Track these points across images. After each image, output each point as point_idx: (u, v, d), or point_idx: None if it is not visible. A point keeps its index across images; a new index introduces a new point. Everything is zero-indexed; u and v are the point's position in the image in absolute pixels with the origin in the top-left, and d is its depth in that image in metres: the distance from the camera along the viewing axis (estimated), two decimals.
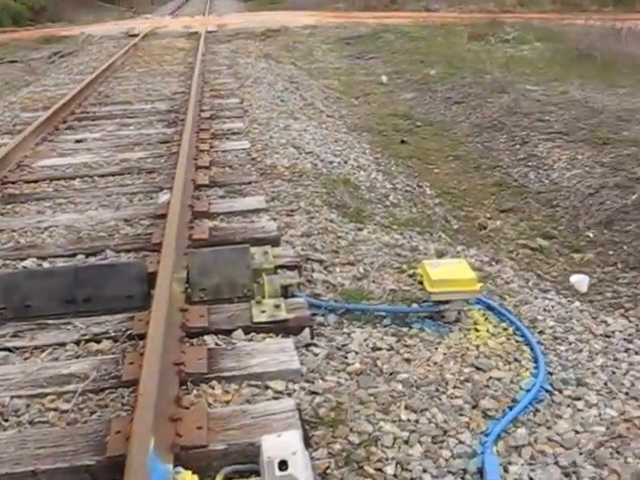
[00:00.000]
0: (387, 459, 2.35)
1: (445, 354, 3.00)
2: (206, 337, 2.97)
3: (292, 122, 6.96)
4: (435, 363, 2.93)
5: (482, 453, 2.43)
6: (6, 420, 2.49)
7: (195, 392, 2.61)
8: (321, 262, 3.74)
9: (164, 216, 3.97)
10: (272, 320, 3.04)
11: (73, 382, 2.66)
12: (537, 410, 2.79)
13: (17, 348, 2.95)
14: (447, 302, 3.17)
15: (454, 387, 2.79)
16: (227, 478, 2.18)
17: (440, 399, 2.70)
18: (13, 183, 5.17)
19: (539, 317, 3.60)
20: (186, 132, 5.77)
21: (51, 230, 4.23)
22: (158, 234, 3.89)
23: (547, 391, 2.93)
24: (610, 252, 4.79)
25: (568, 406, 2.88)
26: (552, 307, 3.81)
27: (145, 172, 5.38)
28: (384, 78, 9.99)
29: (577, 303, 4.02)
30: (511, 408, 2.73)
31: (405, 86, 9.45)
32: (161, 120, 7.19)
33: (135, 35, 16.06)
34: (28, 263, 3.76)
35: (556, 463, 2.49)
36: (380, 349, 2.98)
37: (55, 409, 2.54)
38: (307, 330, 3.02)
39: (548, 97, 7.87)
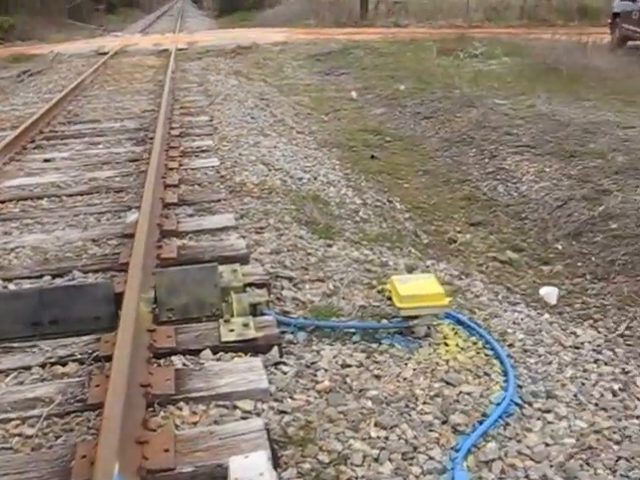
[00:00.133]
0: (357, 478, 2.34)
1: (415, 369, 3.00)
2: (174, 358, 2.93)
3: (262, 139, 6.96)
4: (405, 379, 2.93)
5: (452, 469, 2.43)
6: None
7: (162, 414, 2.57)
8: (290, 279, 3.73)
9: (132, 235, 3.94)
10: (240, 339, 3.01)
11: (38, 406, 2.62)
12: (507, 424, 2.79)
13: None
14: (416, 317, 3.18)
15: (424, 403, 2.78)
16: None
17: (410, 415, 2.70)
18: None
19: (509, 330, 3.61)
20: (155, 150, 5.74)
21: (17, 251, 4.17)
22: (126, 254, 3.85)
23: (517, 404, 2.94)
24: (579, 263, 4.82)
25: (538, 419, 2.89)
26: (522, 320, 3.83)
27: (113, 191, 5.34)
28: (354, 94, 10.04)
29: (546, 315, 4.04)
30: (481, 422, 2.73)
31: (375, 101, 9.50)
32: (130, 138, 7.15)
33: (105, 53, 16.00)
34: None
35: (526, 477, 2.49)
36: (350, 366, 2.97)
37: (19, 434, 2.49)
38: (276, 348, 3.00)
39: (516, 111, 7.95)
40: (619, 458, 2.72)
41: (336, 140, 7.54)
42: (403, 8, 25.40)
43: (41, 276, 3.79)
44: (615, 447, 2.80)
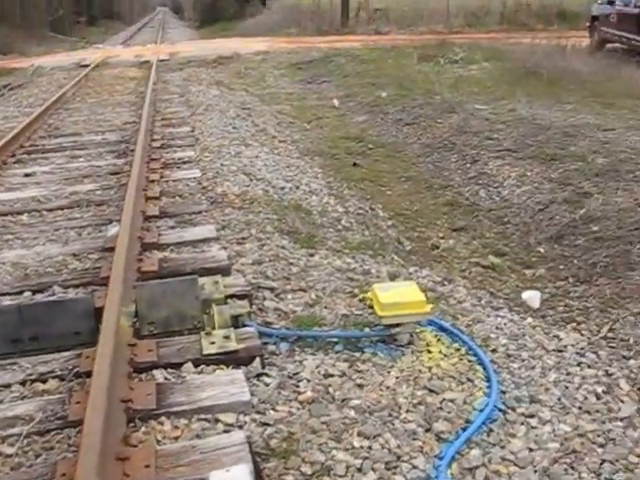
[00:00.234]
0: None
1: (398, 378, 2.99)
2: (155, 372, 2.92)
3: (244, 149, 6.95)
4: (388, 387, 2.92)
5: (436, 477, 2.43)
6: None
7: (143, 429, 2.56)
8: (272, 290, 3.72)
9: (113, 249, 3.91)
10: (222, 351, 3.00)
11: (18, 425, 2.59)
12: (491, 430, 2.79)
13: None
14: (398, 325, 3.17)
15: (407, 411, 2.78)
16: None
17: (393, 424, 2.69)
18: None
19: (492, 335, 3.62)
20: (136, 162, 5.73)
21: None
22: (107, 268, 3.83)
23: (500, 410, 2.94)
24: (561, 267, 4.84)
25: (522, 424, 2.89)
26: (505, 324, 3.83)
27: (94, 205, 5.31)
28: (336, 102, 10.05)
29: (530, 319, 4.06)
30: (464, 429, 2.73)
31: (357, 109, 9.51)
32: (111, 151, 7.12)
33: (86, 65, 15.95)
34: None
35: None
36: (332, 376, 2.96)
37: None
38: (258, 360, 2.99)
39: (497, 115, 7.98)
40: (603, 461, 2.72)
41: (318, 148, 7.54)
42: (384, 15, 25.48)
43: (21, 292, 3.76)
44: (599, 450, 2.80)
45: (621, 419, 3.09)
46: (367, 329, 3.32)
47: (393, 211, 5.76)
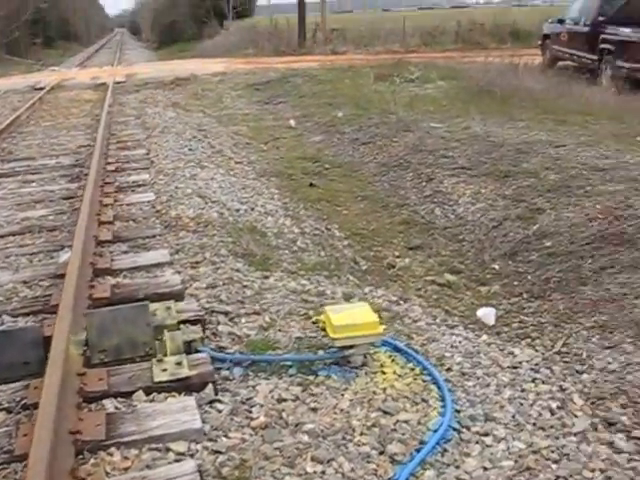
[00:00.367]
0: None
1: (352, 400, 2.98)
2: (105, 401, 2.87)
3: (199, 171, 6.92)
4: (342, 410, 2.91)
5: None
6: None
7: (92, 461, 2.51)
8: (226, 314, 3.70)
9: (64, 276, 3.85)
10: (174, 378, 2.96)
11: None
12: (445, 450, 2.79)
13: None
14: (352, 347, 3.17)
15: (361, 434, 2.77)
16: None
17: (347, 447, 2.68)
18: None
19: (447, 354, 3.63)
20: (89, 187, 5.66)
21: None
22: (57, 295, 3.77)
23: (455, 429, 2.94)
24: (515, 283, 4.88)
25: (476, 443, 2.90)
26: (460, 343, 3.84)
27: (46, 230, 5.24)
28: (292, 122, 10.07)
29: (485, 336, 4.07)
30: (419, 450, 2.72)
31: (313, 129, 9.54)
32: (65, 175, 7.04)
33: (41, 88, 15.76)
34: None
35: None
36: (286, 400, 2.94)
37: None
38: (211, 386, 2.96)
39: (451, 133, 8.05)
40: (557, 477, 2.74)
41: (275, 169, 7.53)
42: (341, 35, 25.69)
43: None
44: (553, 466, 2.82)
45: (575, 434, 3.12)
46: (321, 352, 3.30)
47: (349, 231, 5.77)
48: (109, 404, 2.85)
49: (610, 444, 3.09)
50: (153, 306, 3.46)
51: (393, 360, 3.33)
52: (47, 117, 11.48)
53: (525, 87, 10.85)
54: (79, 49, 51.12)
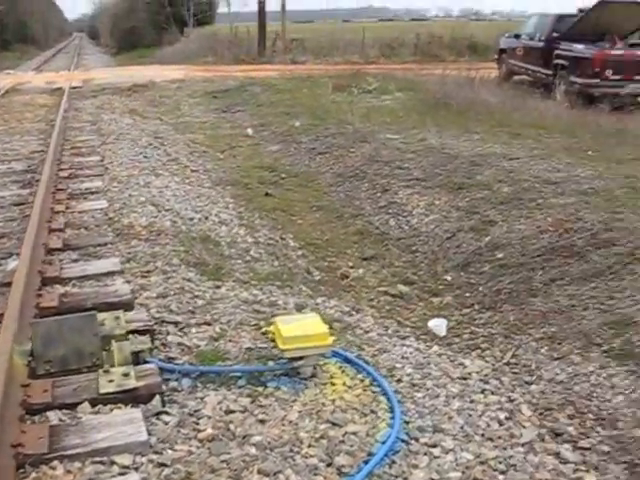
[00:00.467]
0: None
1: (300, 412, 2.97)
2: (49, 413, 2.81)
3: (154, 179, 6.85)
4: (290, 422, 2.89)
5: None
6: None
7: (34, 475, 2.45)
8: (176, 324, 3.66)
9: (10, 284, 3.78)
10: (120, 390, 2.92)
11: None
12: (393, 462, 2.79)
13: None
14: (301, 358, 3.16)
15: (309, 446, 2.75)
16: None
17: (294, 459, 2.66)
18: None
19: (397, 365, 3.64)
20: (40, 193, 5.58)
21: None
22: (3, 304, 3.68)
23: (403, 441, 2.95)
24: (467, 294, 4.92)
25: (425, 454, 2.90)
26: (410, 354, 3.86)
27: None
28: (250, 131, 10.04)
29: (436, 347, 4.10)
30: (366, 462, 2.72)
31: (271, 138, 9.52)
32: (16, 181, 6.90)
33: None
34: None
35: None
36: (234, 412, 2.92)
37: None
38: (158, 397, 2.92)
39: (407, 145, 8.11)
40: None
41: (231, 178, 7.50)
42: (301, 45, 25.77)
43: None
44: (500, 477, 2.84)
45: (522, 444, 3.15)
46: (271, 363, 3.29)
47: (304, 241, 5.76)
48: (53, 416, 2.79)
49: (556, 454, 3.13)
50: (101, 316, 3.40)
51: (343, 371, 3.33)
52: (0, 121, 11.28)
53: (481, 100, 10.99)
54: (36, 53, 50.35)
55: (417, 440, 2.99)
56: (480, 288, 4.97)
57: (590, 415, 3.45)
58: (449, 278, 5.18)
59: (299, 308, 4.13)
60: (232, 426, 2.81)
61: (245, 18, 32.73)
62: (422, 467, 2.80)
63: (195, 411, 2.90)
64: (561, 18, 15.10)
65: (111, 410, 2.84)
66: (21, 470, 2.47)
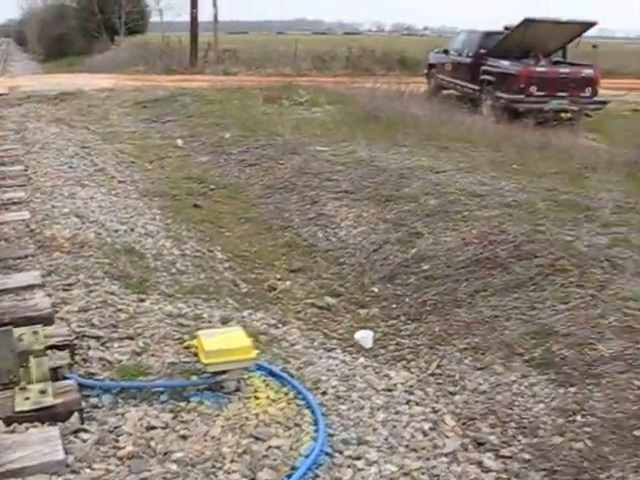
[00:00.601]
0: None
1: (223, 426, 2.94)
2: None
3: (79, 189, 6.71)
4: (213, 437, 2.86)
5: None
6: None
7: None
8: (98, 338, 3.58)
9: None
10: (37, 407, 2.84)
11: None
12: (316, 475, 2.79)
13: None
14: (225, 372, 3.13)
15: (231, 461, 2.73)
16: None
17: (216, 475, 2.64)
18: None
19: (323, 377, 3.64)
20: None
21: None
22: None
23: (327, 454, 2.95)
24: (393, 305, 4.97)
25: (348, 467, 2.91)
26: (336, 366, 3.87)
27: None
28: (179, 141, 9.94)
29: (362, 359, 4.12)
30: (290, 477, 2.71)
31: (200, 149, 9.44)
32: None
33: None
34: None
35: None
36: (155, 428, 2.87)
37: None
38: (76, 415, 2.85)
39: (337, 157, 8.16)
40: None
41: (159, 189, 7.40)
42: (233, 56, 25.71)
43: None
44: None
45: (446, 455, 3.19)
46: (194, 377, 3.25)
47: (231, 253, 5.72)
48: None
49: (479, 464, 3.18)
50: (19, 331, 3.31)
51: (267, 385, 3.32)
52: None
53: (410, 114, 11.14)
54: None
55: (341, 453, 2.99)
56: (406, 299, 5.02)
57: (512, 424, 3.52)
58: (376, 290, 5.22)
59: (225, 321, 4.10)
60: (153, 443, 2.77)
61: (178, 28, 32.45)
62: None
63: (115, 428, 2.85)
64: (488, 35, 15.49)
65: (27, 429, 2.76)
66: None
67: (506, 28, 15.07)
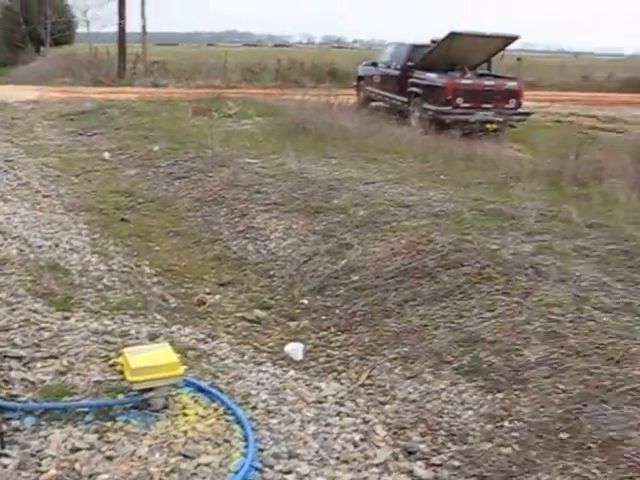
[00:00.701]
0: None
1: (151, 445, 2.89)
2: None
3: (1, 204, 6.54)
4: (140, 457, 2.81)
5: None
6: None
7: None
8: (20, 358, 3.49)
9: None
10: None
11: None
12: None
13: None
14: (151, 389, 3.08)
15: None
16: None
17: None
18: None
19: (252, 392, 3.62)
20: None
21: None
22: None
23: (257, 469, 2.93)
24: (323, 317, 4.97)
25: None
26: (267, 379, 3.86)
27: None
28: (107, 154, 9.78)
29: (292, 372, 4.11)
30: None
31: (128, 162, 9.31)
32: None
33: None
34: None
35: None
36: (80, 449, 2.81)
37: None
38: None
39: (266, 169, 8.15)
40: None
41: (85, 203, 7.26)
42: (162, 68, 25.45)
43: None
44: None
45: (377, 465, 3.21)
46: (120, 396, 3.19)
47: (160, 267, 5.64)
48: None
49: (410, 472, 3.21)
50: None
51: (196, 401, 3.28)
52: None
53: (339, 125, 11.23)
54: None
55: (271, 467, 2.98)
56: (336, 311, 5.03)
57: (442, 432, 3.56)
58: (306, 302, 5.22)
59: (152, 337, 4.03)
60: (77, 465, 2.70)
61: (105, 39, 31.93)
62: None
63: (38, 451, 2.77)
64: (416, 48, 15.73)
65: None
66: None
67: (433, 41, 15.34)
